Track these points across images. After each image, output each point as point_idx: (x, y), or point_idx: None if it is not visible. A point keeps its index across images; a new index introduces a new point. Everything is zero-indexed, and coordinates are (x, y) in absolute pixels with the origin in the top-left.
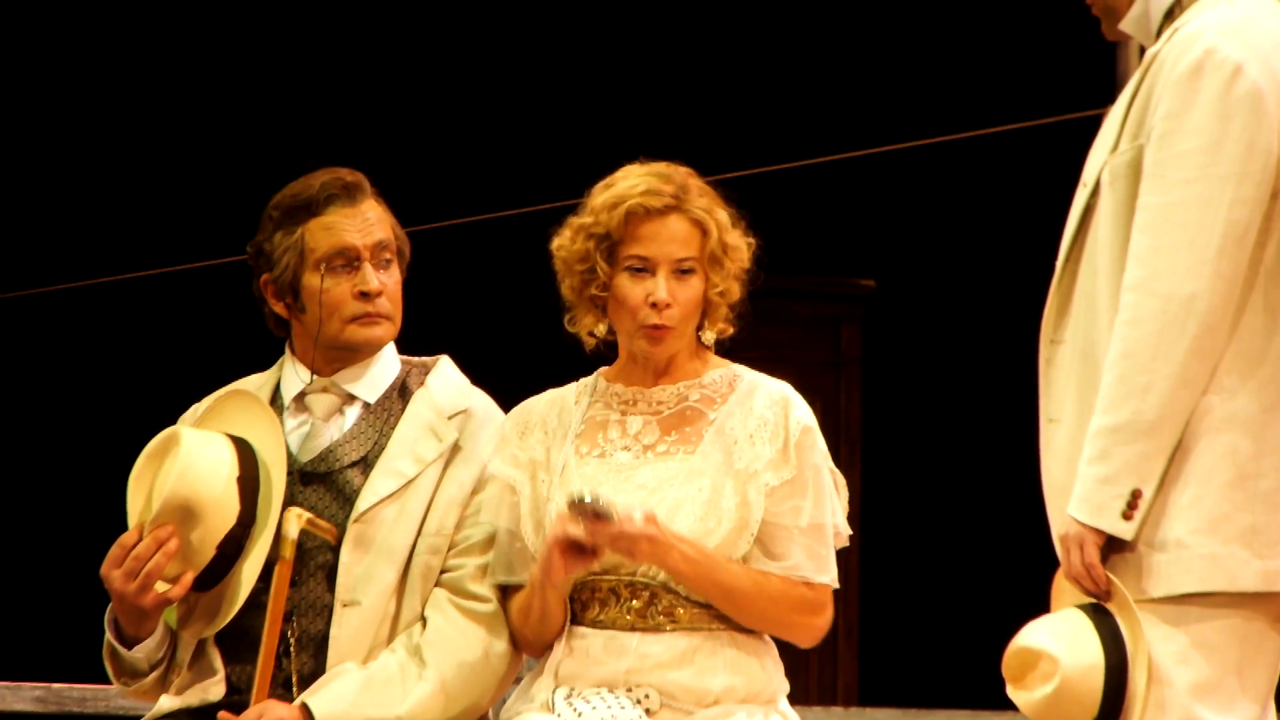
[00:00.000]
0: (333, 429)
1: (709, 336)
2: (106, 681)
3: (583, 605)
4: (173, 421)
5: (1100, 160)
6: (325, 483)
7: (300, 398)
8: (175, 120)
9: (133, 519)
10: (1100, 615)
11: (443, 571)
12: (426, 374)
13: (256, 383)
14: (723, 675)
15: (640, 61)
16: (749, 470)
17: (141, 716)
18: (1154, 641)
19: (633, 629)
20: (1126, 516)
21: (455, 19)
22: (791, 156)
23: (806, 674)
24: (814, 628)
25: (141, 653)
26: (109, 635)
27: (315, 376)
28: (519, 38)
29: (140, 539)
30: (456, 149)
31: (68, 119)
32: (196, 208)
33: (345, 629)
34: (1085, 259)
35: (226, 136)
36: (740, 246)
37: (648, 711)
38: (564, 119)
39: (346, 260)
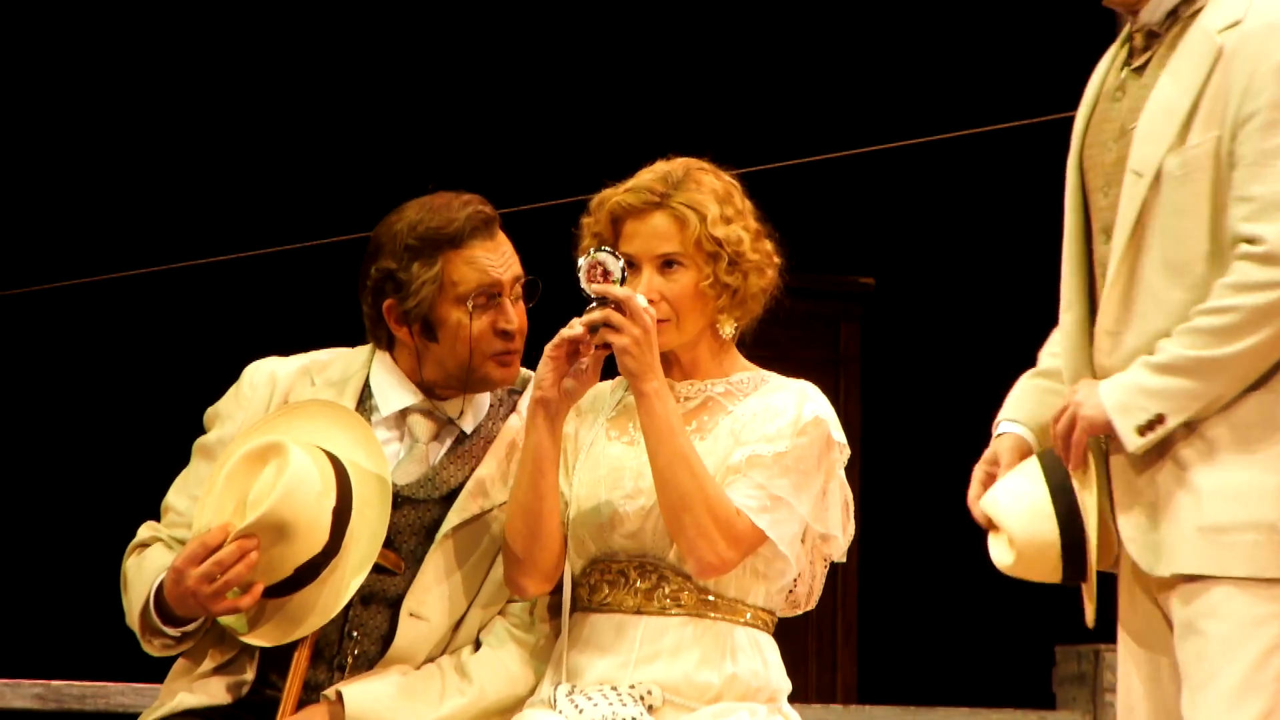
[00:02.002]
0: (432, 455)
1: (726, 330)
2: (106, 679)
3: (591, 588)
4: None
5: (1157, 151)
6: (417, 508)
7: (402, 415)
8: (193, 119)
9: (215, 515)
10: (1054, 469)
11: (508, 602)
12: (517, 397)
13: (340, 373)
14: (726, 664)
15: (643, 61)
16: (745, 441)
17: (140, 714)
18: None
19: (638, 611)
20: (1141, 432)
21: (477, 17)
22: (790, 154)
23: (806, 672)
24: (719, 555)
25: (177, 630)
26: (150, 605)
27: (425, 399)
28: (527, 38)
29: (222, 543)
30: (473, 145)
31: (81, 116)
32: (203, 204)
33: (406, 639)
34: (1146, 251)
35: (241, 135)
36: (737, 238)
37: (650, 709)
38: (568, 117)
39: (489, 296)
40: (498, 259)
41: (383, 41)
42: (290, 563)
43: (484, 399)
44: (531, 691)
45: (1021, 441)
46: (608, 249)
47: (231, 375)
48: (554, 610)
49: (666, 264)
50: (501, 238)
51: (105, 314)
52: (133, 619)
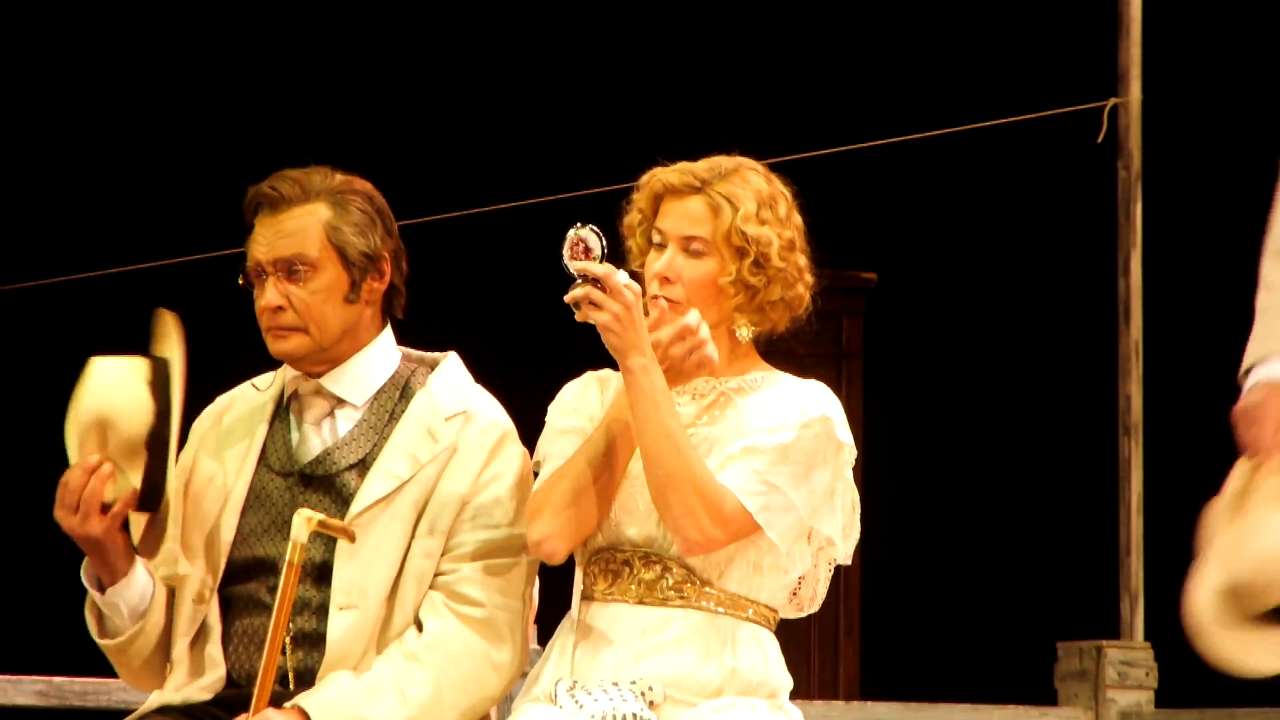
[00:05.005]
0: (326, 432)
1: (742, 333)
2: (108, 675)
3: (593, 579)
4: (183, 419)
5: None
6: (325, 486)
7: (295, 397)
8: (169, 115)
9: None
10: None
11: (437, 575)
12: (430, 373)
13: (268, 378)
14: (727, 658)
15: (644, 55)
16: (748, 433)
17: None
18: None
19: (641, 602)
20: None
21: (466, 10)
22: (792, 149)
23: (807, 667)
24: (704, 533)
25: (117, 602)
26: (89, 590)
27: (305, 378)
28: (518, 32)
29: None
30: (468, 140)
31: (62, 116)
32: (199, 201)
33: (343, 632)
34: None
35: (233, 130)
36: (767, 240)
37: (651, 704)
38: (569, 113)
39: (257, 273)
40: (266, 237)
41: (346, 46)
42: (136, 444)
43: (370, 368)
44: (486, 669)
45: None
46: (592, 226)
47: (243, 378)
48: (502, 583)
49: (692, 248)
50: (285, 215)
51: (115, 313)
52: (90, 623)
